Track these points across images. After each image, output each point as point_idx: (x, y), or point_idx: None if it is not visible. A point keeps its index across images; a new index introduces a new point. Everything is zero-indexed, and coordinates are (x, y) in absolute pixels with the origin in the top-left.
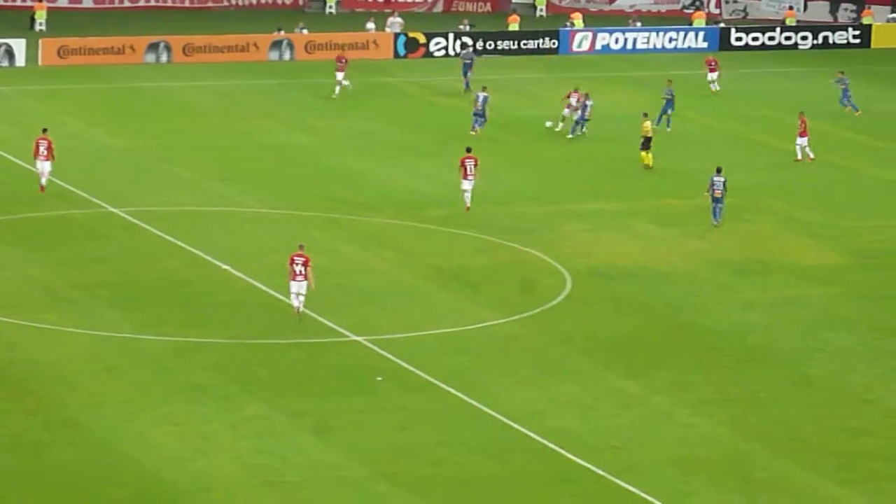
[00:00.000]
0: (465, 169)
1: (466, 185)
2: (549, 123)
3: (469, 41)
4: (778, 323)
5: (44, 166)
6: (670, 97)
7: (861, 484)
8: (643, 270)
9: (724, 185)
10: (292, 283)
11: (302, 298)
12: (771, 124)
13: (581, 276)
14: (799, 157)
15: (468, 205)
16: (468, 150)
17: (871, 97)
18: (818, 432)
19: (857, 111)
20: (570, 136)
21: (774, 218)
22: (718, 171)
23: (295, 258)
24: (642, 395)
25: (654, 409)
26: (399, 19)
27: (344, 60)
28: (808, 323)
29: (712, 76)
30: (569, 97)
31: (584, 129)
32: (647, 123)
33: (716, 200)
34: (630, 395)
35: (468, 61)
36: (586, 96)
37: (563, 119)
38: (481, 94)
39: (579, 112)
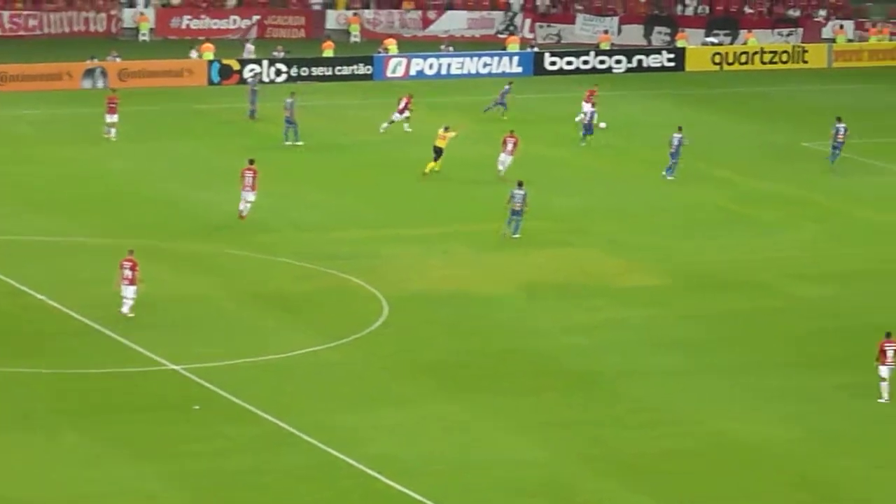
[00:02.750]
0: (245, 180)
1: (249, 196)
2: (384, 126)
3: (258, 68)
4: (601, 345)
5: None
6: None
7: None
8: (464, 295)
9: (525, 198)
10: (122, 287)
11: (130, 303)
12: (587, 147)
13: (400, 301)
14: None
15: (245, 214)
16: (251, 162)
17: (686, 120)
18: (641, 454)
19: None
20: (407, 129)
21: (596, 240)
22: (520, 184)
23: (124, 262)
24: (465, 419)
25: (478, 433)
26: (251, 46)
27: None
28: (631, 345)
29: (586, 107)
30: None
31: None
32: (442, 132)
33: (514, 213)
34: (453, 419)
35: (255, 88)
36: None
37: (392, 122)
38: (288, 100)
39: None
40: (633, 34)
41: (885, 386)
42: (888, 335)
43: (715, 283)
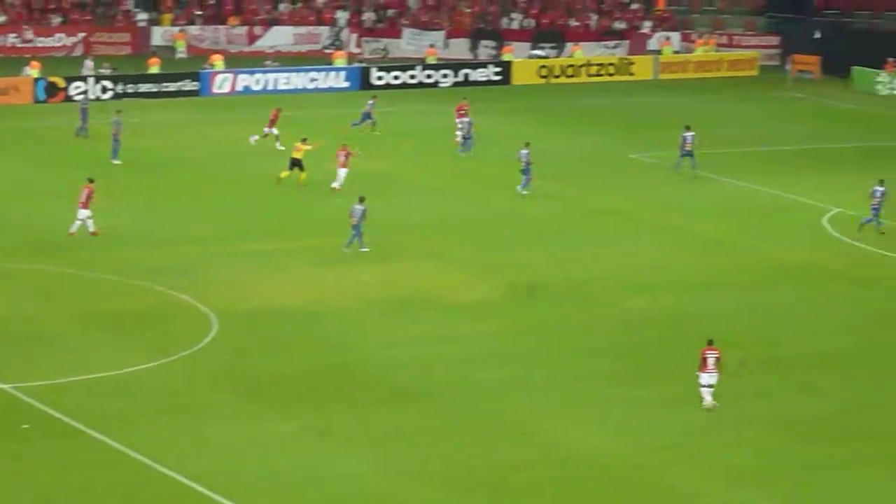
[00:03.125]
0: (81, 196)
1: (83, 213)
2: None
3: (84, 85)
4: (430, 359)
5: None
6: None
7: None
8: (296, 310)
9: (364, 213)
10: None
11: None
12: (415, 161)
13: (230, 317)
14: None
15: (93, 229)
16: (90, 181)
17: (514, 133)
18: (473, 468)
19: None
20: (279, 146)
21: (430, 254)
22: (361, 199)
23: None
24: (295, 435)
25: (307, 449)
26: (90, 62)
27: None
28: (460, 358)
29: (460, 121)
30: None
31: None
32: (300, 143)
33: (353, 228)
34: (283, 436)
35: (85, 107)
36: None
37: (265, 136)
38: (114, 118)
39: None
40: (460, 48)
41: (706, 392)
42: (710, 343)
43: (547, 296)
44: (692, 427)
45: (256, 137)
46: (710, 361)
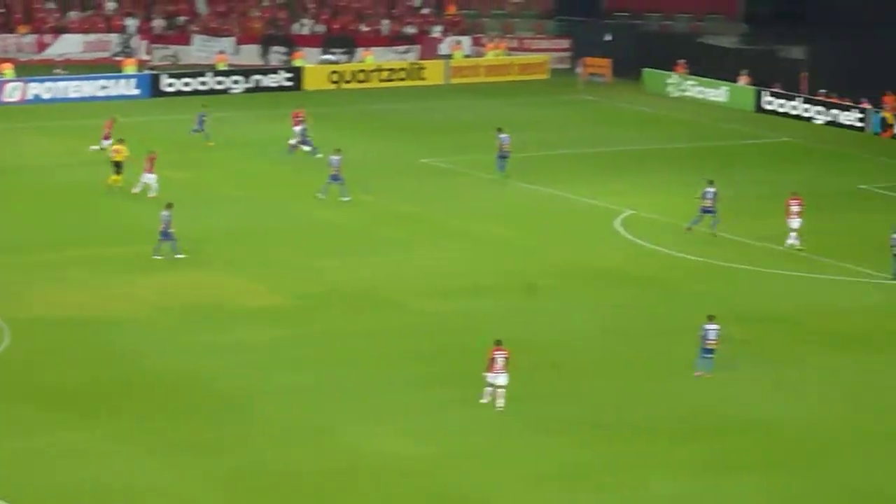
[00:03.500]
0: None
1: None
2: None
3: None
4: (228, 366)
5: None
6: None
7: None
8: (91, 319)
9: (169, 218)
10: None
11: None
12: (210, 169)
13: (23, 326)
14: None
15: None
16: None
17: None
18: (270, 475)
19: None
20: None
21: (225, 262)
22: (168, 206)
23: None
24: (91, 446)
25: (104, 459)
26: None
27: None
28: (260, 365)
29: (297, 129)
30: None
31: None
32: (117, 145)
33: (164, 234)
34: (78, 446)
35: None
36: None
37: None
38: None
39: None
40: (250, 54)
41: (494, 391)
42: (498, 343)
43: (342, 302)
44: (494, 431)
45: (96, 147)
46: (500, 362)
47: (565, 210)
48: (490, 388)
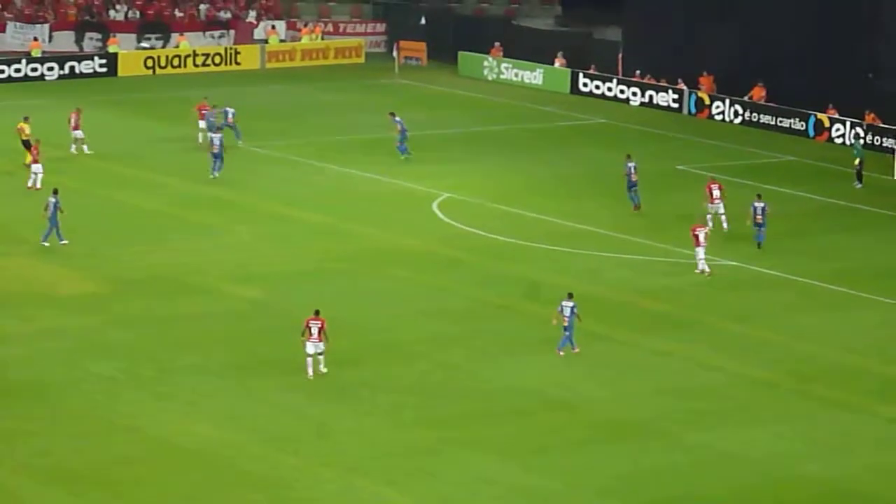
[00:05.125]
0: None
1: None
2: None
3: None
4: (38, 355)
5: None
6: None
7: None
8: None
9: (57, 205)
10: None
11: None
12: (15, 154)
13: None
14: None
15: None
16: None
17: (122, 126)
18: (87, 463)
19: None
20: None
21: (27, 249)
22: (54, 192)
23: None
24: None
25: None
26: None
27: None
28: (69, 353)
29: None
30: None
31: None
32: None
33: (50, 220)
34: None
35: None
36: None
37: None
38: None
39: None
40: (65, 41)
41: (310, 362)
42: (316, 313)
43: (155, 288)
44: (304, 416)
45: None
46: (314, 331)
47: (384, 194)
48: (310, 359)
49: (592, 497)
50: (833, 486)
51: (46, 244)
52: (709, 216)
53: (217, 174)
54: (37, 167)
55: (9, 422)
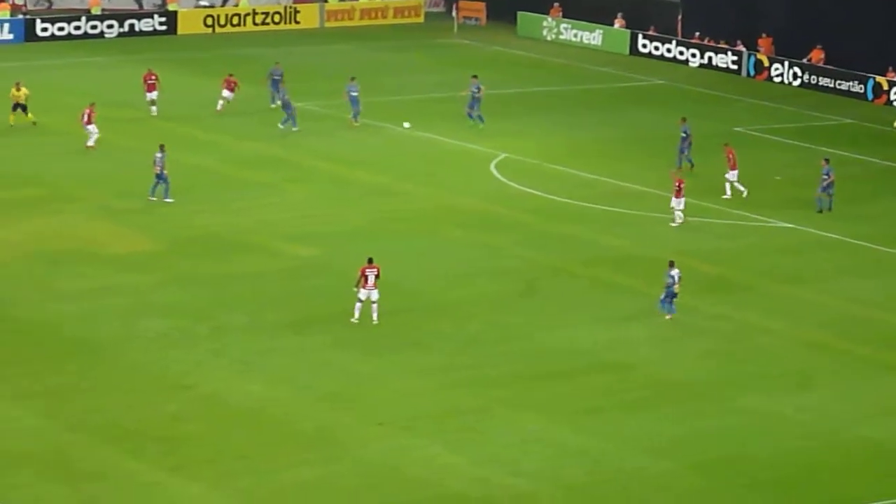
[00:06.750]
0: None
1: None
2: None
3: None
4: (95, 312)
5: None
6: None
7: (183, 469)
8: None
9: (163, 160)
10: None
11: None
12: (74, 113)
13: None
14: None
15: None
16: None
17: (181, 84)
18: (139, 419)
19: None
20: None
21: (85, 206)
22: (161, 147)
23: None
24: None
25: None
26: None
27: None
28: (124, 311)
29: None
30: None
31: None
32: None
33: (158, 176)
34: None
35: None
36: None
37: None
38: None
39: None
40: None
41: (362, 307)
42: (370, 261)
43: (209, 247)
44: (357, 375)
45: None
46: (371, 279)
47: (441, 153)
48: (360, 304)
49: (643, 458)
50: (885, 449)
51: (154, 199)
52: (727, 185)
53: (284, 127)
54: (92, 128)
55: (63, 378)
